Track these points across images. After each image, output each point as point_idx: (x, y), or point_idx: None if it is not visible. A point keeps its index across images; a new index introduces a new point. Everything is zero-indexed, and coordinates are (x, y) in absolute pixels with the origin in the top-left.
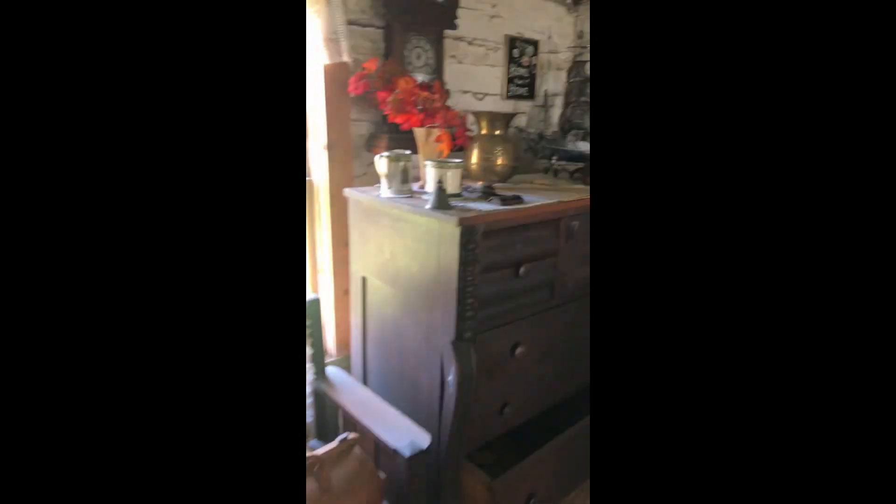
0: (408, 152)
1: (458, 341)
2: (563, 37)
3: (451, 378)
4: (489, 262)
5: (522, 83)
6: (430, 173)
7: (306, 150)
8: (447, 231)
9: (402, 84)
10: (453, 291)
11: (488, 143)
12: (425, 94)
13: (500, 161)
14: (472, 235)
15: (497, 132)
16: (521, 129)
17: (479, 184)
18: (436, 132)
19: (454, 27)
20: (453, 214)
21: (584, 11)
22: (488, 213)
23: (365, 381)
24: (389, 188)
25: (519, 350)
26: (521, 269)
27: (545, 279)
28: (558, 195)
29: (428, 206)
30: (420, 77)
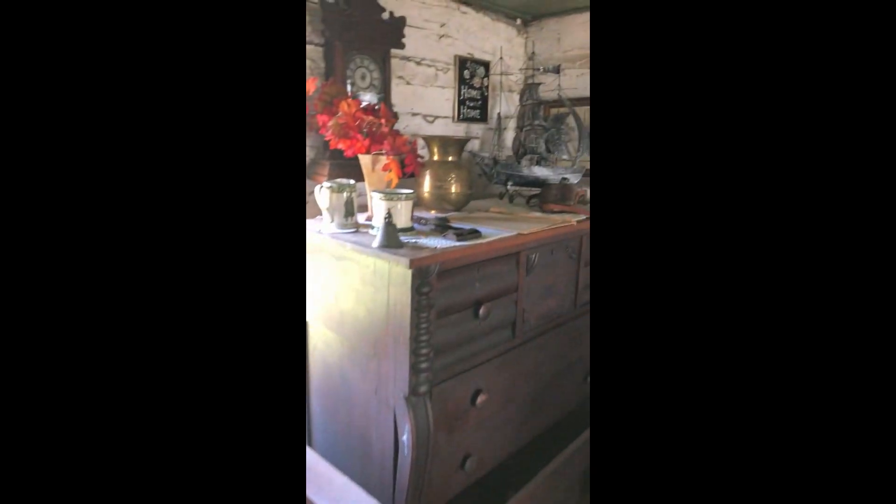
0: (352, 181)
1: (413, 396)
2: (514, 58)
3: (405, 438)
4: (445, 304)
5: (474, 105)
6: (377, 206)
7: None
8: (397, 273)
9: (344, 107)
10: (405, 340)
11: (441, 170)
12: (370, 117)
13: (454, 189)
14: (426, 277)
15: (450, 158)
16: (474, 154)
17: (433, 213)
18: (383, 160)
19: (401, 46)
20: (404, 255)
21: (535, 33)
22: (444, 252)
23: (308, 440)
24: (332, 222)
25: (480, 398)
26: (481, 310)
27: (506, 318)
28: (517, 226)
29: (375, 245)
30: (367, 99)
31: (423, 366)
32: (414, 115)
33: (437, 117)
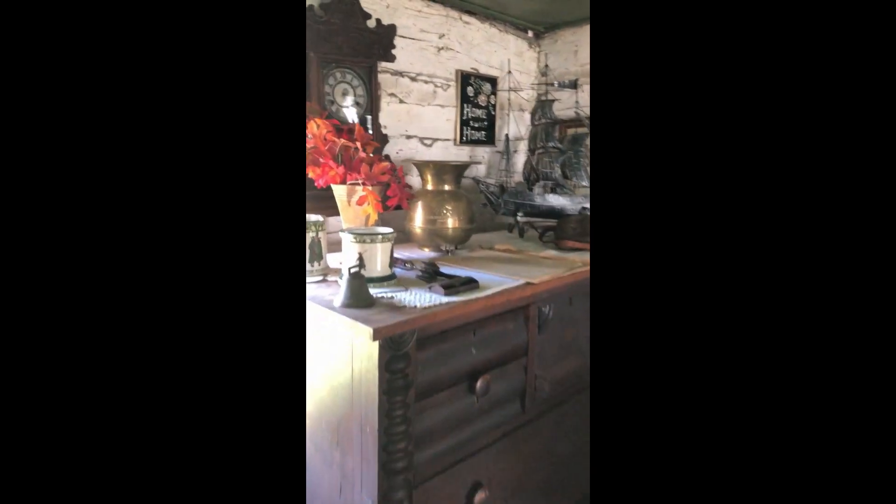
0: (320, 218)
1: None
2: (525, 73)
3: None
4: (429, 379)
5: (479, 126)
6: (347, 249)
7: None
8: (362, 344)
9: (312, 127)
10: (373, 431)
11: (435, 202)
12: (343, 139)
13: (450, 223)
14: (400, 350)
15: (446, 187)
16: (478, 181)
17: (426, 252)
18: (360, 190)
19: (391, 59)
20: (368, 320)
21: (548, 46)
22: (423, 315)
23: None
24: None
25: (479, 496)
26: (479, 384)
27: (512, 389)
28: (527, 269)
29: (337, 303)
30: (350, 119)
31: (399, 465)
32: (409, 137)
33: (435, 140)
